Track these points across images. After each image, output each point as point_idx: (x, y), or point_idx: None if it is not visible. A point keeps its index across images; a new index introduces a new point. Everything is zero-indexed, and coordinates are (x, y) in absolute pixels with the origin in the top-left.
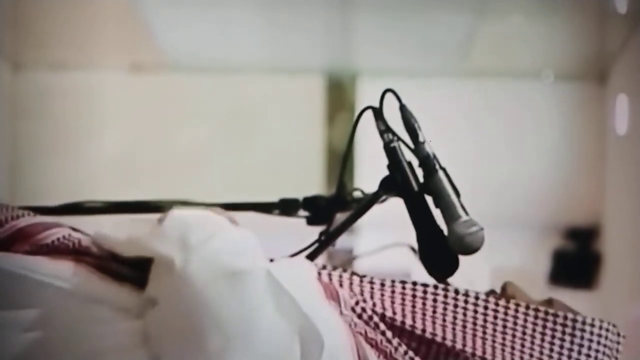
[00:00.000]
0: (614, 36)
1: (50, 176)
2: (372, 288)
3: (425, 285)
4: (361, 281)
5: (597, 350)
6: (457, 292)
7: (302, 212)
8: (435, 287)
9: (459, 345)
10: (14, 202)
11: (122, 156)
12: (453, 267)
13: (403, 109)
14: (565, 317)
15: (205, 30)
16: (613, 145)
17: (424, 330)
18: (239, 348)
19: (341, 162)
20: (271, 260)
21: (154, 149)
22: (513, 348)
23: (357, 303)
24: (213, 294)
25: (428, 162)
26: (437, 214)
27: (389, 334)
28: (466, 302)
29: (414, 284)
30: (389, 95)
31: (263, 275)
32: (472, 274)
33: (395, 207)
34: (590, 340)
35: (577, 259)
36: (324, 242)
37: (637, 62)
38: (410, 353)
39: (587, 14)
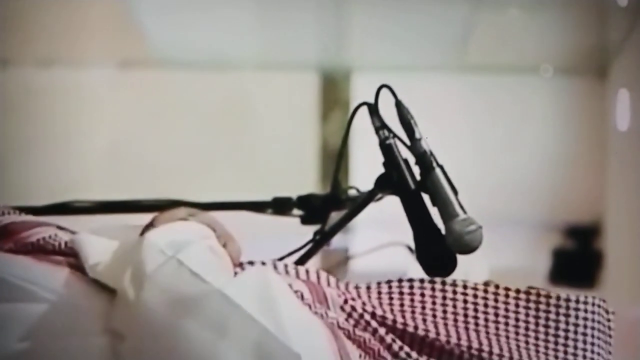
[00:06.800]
0: (614, 30)
1: (38, 175)
2: (358, 292)
3: (410, 280)
4: (347, 286)
5: (593, 328)
6: (444, 283)
7: (296, 211)
8: (421, 280)
9: (453, 340)
10: (1, 202)
11: (112, 154)
12: (451, 266)
13: (399, 105)
14: (558, 298)
15: (195, 26)
16: (614, 141)
17: (416, 328)
18: None
19: (336, 159)
20: (251, 263)
21: (143, 146)
22: (507, 337)
23: (345, 302)
24: (172, 325)
25: (425, 159)
26: (434, 212)
27: (381, 330)
28: (454, 292)
29: (400, 281)
30: (384, 91)
31: (219, 297)
32: (471, 273)
33: (391, 206)
34: (585, 319)
35: (577, 258)
36: (319, 241)
37: (638, 56)
38: (406, 348)
39: (587, 7)
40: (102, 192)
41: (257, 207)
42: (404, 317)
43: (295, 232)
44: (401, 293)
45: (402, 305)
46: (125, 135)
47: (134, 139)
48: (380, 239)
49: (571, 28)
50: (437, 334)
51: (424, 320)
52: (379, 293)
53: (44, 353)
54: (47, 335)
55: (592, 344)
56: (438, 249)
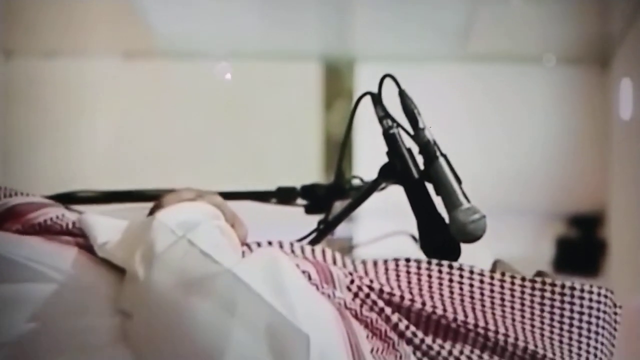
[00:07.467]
0: (617, 19)
1: (43, 165)
2: (365, 267)
3: (418, 261)
4: (353, 262)
5: (597, 317)
6: (451, 266)
7: (300, 201)
8: (429, 262)
9: (460, 317)
10: None
11: (116, 144)
12: (454, 255)
13: (402, 94)
14: (563, 286)
15: (199, 16)
16: (617, 130)
17: (423, 304)
18: None
19: (339, 149)
20: (259, 245)
21: (148, 136)
22: (514, 320)
23: (352, 282)
24: (182, 305)
25: (428, 149)
26: (438, 201)
27: (388, 310)
28: (461, 276)
29: (407, 260)
30: (387, 80)
31: (230, 277)
32: (474, 262)
33: (395, 195)
34: (590, 308)
35: (581, 247)
36: (323, 231)
37: None
38: (412, 328)
39: None
40: (106, 182)
41: (261, 196)
42: (411, 293)
43: (299, 221)
44: (408, 272)
45: (409, 282)
46: (129, 125)
47: (138, 129)
48: (384, 228)
49: (574, 17)
50: (444, 310)
51: (432, 298)
52: (386, 269)
53: (52, 333)
54: (55, 316)
55: (597, 332)
56: (442, 238)
